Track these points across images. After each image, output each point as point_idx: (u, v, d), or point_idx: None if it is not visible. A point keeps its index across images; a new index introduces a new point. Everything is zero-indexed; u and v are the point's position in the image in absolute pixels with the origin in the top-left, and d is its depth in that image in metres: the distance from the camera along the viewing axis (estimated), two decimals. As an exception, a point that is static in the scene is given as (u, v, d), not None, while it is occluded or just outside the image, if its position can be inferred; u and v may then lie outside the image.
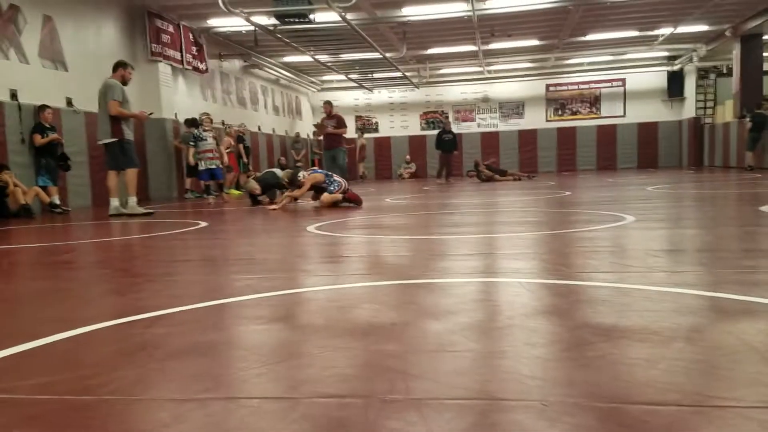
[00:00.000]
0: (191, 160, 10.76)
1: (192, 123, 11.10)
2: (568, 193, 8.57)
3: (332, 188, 7.27)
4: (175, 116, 11.68)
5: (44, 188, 7.92)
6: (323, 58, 15.87)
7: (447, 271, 2.81)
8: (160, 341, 1.77)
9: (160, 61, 11.21)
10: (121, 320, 2.04)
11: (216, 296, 2.37)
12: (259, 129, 16.41)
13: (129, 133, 6.84)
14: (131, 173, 6.88)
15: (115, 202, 6.84)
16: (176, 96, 12.02)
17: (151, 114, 7.57)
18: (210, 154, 10.66)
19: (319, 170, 7.64)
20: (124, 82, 6.89)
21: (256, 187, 8.20)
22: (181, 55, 11.90)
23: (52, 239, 4.95)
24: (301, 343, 1.74)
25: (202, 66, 12.83)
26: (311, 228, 4.91)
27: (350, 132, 20.05)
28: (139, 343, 1.76)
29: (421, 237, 4.24)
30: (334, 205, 7.17)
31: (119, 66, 6.93)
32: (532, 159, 20.27)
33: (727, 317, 1.84)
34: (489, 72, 19.36)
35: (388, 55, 14.55)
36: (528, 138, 20.34)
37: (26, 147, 8.07)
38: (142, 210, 6.93)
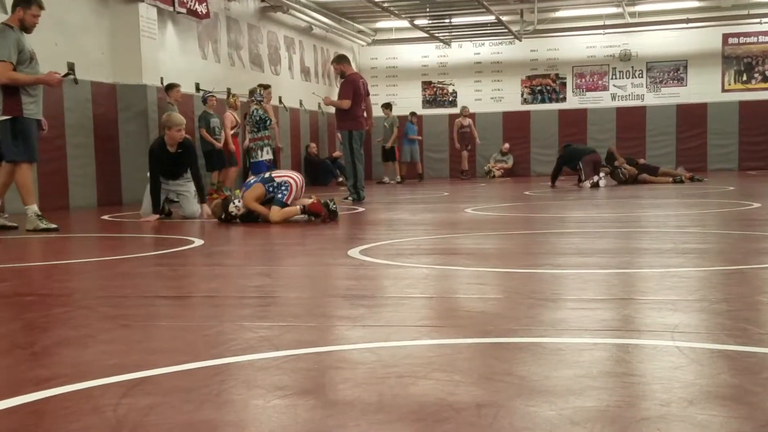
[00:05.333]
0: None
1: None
2: (757, 205, 8.47)
3: (280, 196, 7.29)
4: (161, 81, 12.07)
5: None
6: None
7: (562, 325, 2.81)
8: (140, 418, 1.83)
9: (142, 1, 11.60)
10: (88, 383, 2.12)
11: (218, 353, 2.44)
12: (281, 101, 16.73)
13: (33, 109, 6.76)
14: (25, 170, 6.84)
15: None
16: (162, 53, 12.43)
17: (68, 75, 7.07)
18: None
19: (256, 179, 7.69)
20: (25, 29, 6.81)
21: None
22: (172, -8, 12.30)
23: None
24: (341, 429, 1.76)
25: (201, 8, 13.20)
26: (354, 252, 4.99)
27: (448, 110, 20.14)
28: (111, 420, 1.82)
29: (520, 270, 4.24)
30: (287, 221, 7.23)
31: (19, 3, 6.77)
32: (698, 150, 19.89)
33: None
34: (632, 15, 19.10)
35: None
36: (692, 116, 19.96)
37: None
38: (43, 224, 6.97)
